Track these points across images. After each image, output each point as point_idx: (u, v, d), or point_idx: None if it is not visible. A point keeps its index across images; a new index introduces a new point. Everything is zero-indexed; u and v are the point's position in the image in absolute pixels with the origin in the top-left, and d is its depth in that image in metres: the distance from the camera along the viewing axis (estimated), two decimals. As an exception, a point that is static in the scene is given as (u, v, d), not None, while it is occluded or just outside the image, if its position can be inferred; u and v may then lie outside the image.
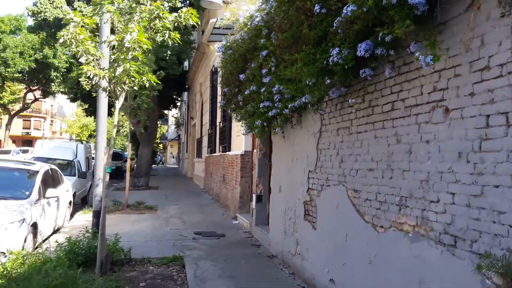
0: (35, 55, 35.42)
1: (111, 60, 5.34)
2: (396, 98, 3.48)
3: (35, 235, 6.74)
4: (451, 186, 2.76)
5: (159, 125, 71.07)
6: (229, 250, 7.06)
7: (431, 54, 2.67)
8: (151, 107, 16.72)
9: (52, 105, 73.80)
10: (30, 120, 65.58)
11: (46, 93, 43.85)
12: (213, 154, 14.68)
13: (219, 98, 8.74)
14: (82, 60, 5.37)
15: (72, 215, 10.50)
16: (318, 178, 5.04)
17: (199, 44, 17.65)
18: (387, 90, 3.61)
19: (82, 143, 13.60)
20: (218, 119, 13.75)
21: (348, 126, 4.29)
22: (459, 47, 2.77)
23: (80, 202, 13.60)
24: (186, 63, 27.53)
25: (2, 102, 40.19)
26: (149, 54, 6.62)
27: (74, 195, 11.40)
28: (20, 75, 37.48)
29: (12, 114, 41.36)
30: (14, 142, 57.74)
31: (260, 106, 5.66)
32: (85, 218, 9.95)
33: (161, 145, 77.66)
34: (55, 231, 8.33)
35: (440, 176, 2.87)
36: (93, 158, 14.36)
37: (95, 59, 5.38)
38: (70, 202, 9.66)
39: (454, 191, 2.74)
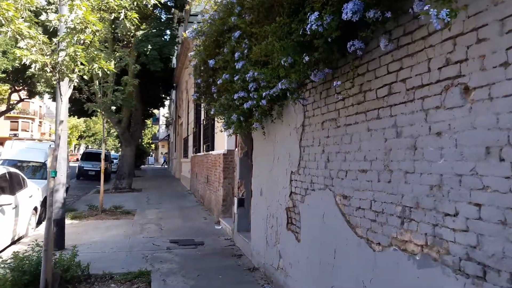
0: (20, 54, 34.26)
1: (53, 44, 4.50)
2: (394, 78, 2.69)
3: (-21, 249, 5.90)
4: (476, 194, 1.98)
5: (149, 125, 70.47)
6: (206, 262, 6.25)
7: (447, 8, 1.88)
8: (131, 105, 15.89)
9: (40, 106, 72.39)
10: (17, 122, 64.18)
11: (32, 94, 42.67)
12: (198, 154, 13.87)
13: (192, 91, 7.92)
14: (21, 44, 4.54)
15: (40, 222, 9.62)
16: (302, 181, 4.24)
17: (183, 39, 16.81)
18: (382, 70, 2.82)
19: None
20: (203, 116, 12.92)
21: (335, 117, 3.49)
22: (483, 1, 1.98)
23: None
24: (174, 61, 26.73)
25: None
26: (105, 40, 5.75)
27: (44, 199, 10.52)
28: (5, 75, 36.30)
29: (-4, 115, 40.10)
30: (1, 144, 56.47)
31: (235, 98, 4.85)
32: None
33: (153, 146, 76.70)
34: (14, 241, 7.46)
35: (459, 180, 2.09)
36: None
37: (37, 44, 4.55)
38: (35, 208, 8.78)
39: (480, 201, 1.95)
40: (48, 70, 4.48)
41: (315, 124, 3.93)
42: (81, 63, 4.47)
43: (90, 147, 74.10)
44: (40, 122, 72.20)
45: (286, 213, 4.68)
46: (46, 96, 41.44)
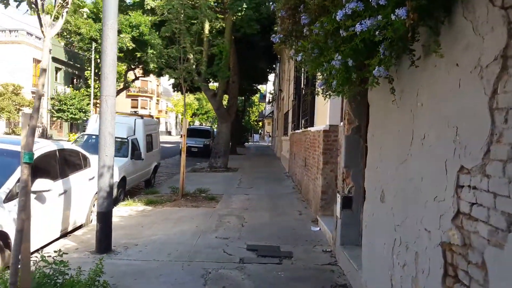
0: (132, 33, 35.55)
1: None
2: None
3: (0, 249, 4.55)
4: None
5: (256, 102, 70.31)
6: (290, 294, 4.08)
7: None
8: (226, 75, 14.26)
9: (157, 85, 77.09)
10: (137, 100, 69.24)
11: (146, 72, 44.61)
12: (296, 131, 11.64)
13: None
14: None
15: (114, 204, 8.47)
16: (495, 193, 1.75)
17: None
18: None
19: (142, 118, 11.58)
20: (303, 83, 10.61)
21: None
22: None
23: (144, 185, 11.79)
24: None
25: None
26: None
27: (123, 180, 9.39)
28: (122, 54, 38.04)
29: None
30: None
31: (338, 18, 2.48)
32: (126, 210, 7.79)
33: (260, 123, 76.76)
34: (68, 232, 6.20)
35: None
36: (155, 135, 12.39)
37: None
38: (102, 192, 7.50)
39: None
40: None
41: None
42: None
43: (204, 125, 76.98)
44: (158, 100, 77.05)
45: (442, 253, 2.22)
46: (165, 77, 43.00)
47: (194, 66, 10.22)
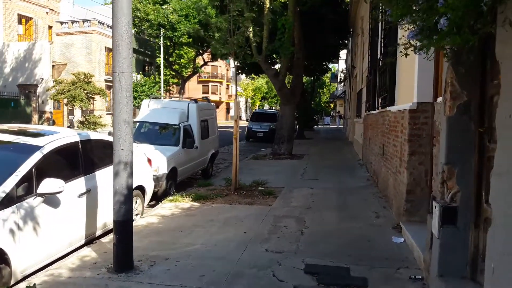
0: (199, 17, 35.05)
1: None
2: None
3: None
4: None
5: (327, 83, 67.45)
6: None
7: None
8: (290, 51, 12.74)
9: (227, 70, 77.24)
10: (208, 85, 69.97)
11: (214, 57, 44.26)
12: (372, 112, 9.87)
13: None
14: None
15: (161, 199, 7.58)
16: None
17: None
18: None
19: (196, 102, 10.54)
20: (379, 55, 8.81)
21: None
22: None
23: (201, 175, 10.87)
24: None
25: (174, 67, 42.17)
26: None
27: (173, 171, 8.46)
28: (190, 39, 37.83)
29: (184, 79, 43.10)
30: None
31: None
32: (170, 208, 6.81)
33: (332, 105, 73.79)
34: (95, 238, 5.29)
35: None
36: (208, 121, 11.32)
37: None
38: (141, 188, 6.56)
39: None
40: None
41: None
42: None
43: (273, 108, 75.83)
44: (228, 85, 77.28)
45: None
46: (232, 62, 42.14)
47: (249, 36, 8.84)
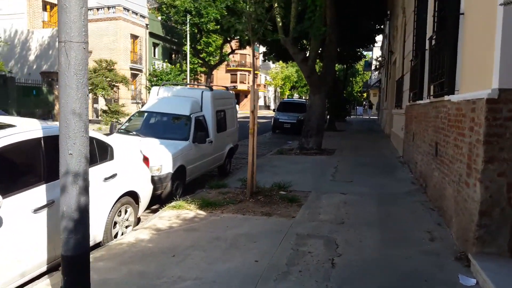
0: (226, 1, 33.63)
1: None
2: None
3: None
4: None
5: (361, 71, 64.74)
6: None
7: None
8: (321, 31, 11.20)
9: (256, 58, 75.71)
10: (236, 74, 68.77)
11: (242, 44, 42.79)
12: (418, 102, 8.26)
13: None
14: None
15: (166, 202, 6.41)
16: None
17: None
18: None
19: (211, 89, 9.25)
20: (429, 33, 7.20)
21: None
22: None
23: (218, 172, 9.65)
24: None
25: (202, 56, 41.06)
26: None
27: (180, 170, 7.24)
28: (218, 27, 36.48)
29: (211, 67, 41.96)
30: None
31: None
32: (169, 218, 5.60)
33: (364, 94, 71.01)
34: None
35: None
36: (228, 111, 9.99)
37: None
38: (133, 194, 5.36)
39: None
40: None
41: None
42: None
43: (303, 97, 73.77)
44: (256, 73, 75.75)
45: None
46: (261, 48, 40.54)
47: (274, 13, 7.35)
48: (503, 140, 3.65)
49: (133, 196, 5.40)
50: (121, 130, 8.39)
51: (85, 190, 2.99)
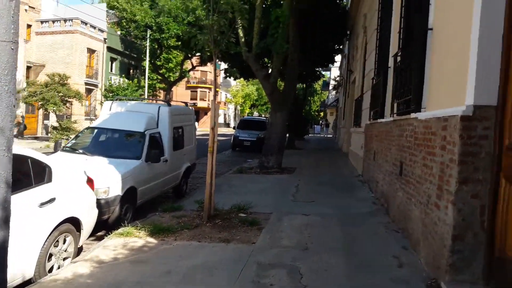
0: (188, 18, 33.23)
1: None
2: None
3: None
4: None
5: (319, 90, 65.95)
6: None
7: None
8: (284, 49, 11.05)
9: (217, 75, 75.58)
10: (196, 91, 68.18)
11: (203, 61, 42.32)
12: (380, 121, 8.16)
13: None
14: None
15: (114, 227, 5.77)
16: None
17: None
18: None
19: (169, 105, 8.74)
20: (393, 50, 7.11)
21: None
22: None
23: (173, 193, 9.07)
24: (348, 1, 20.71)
25: (161, 72, 40.26)
26: None
27: (131, 192, 6.64)
28: (180, 43, 35.86)
29: (170, 83, 41.20)
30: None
31: None
32: (114, 247, 4.98)
33: (321, 113, 72.37)
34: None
35: None
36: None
37: None
38: (75, 222, 4.73)
39: None
40: None
41: None
42: None
43: (263, 116, 73.99)
44: (217, 91, 75.48)
45: None
46: (222, 65, 40.27)
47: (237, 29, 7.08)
48: (478, 159, 3.43)
49: (74, 223, 4.77)
50: (66, 148, 7.69)
51: (4, 222, 2.43)
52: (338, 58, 32.48)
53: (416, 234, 4.76)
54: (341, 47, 23.10)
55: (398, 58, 6.29)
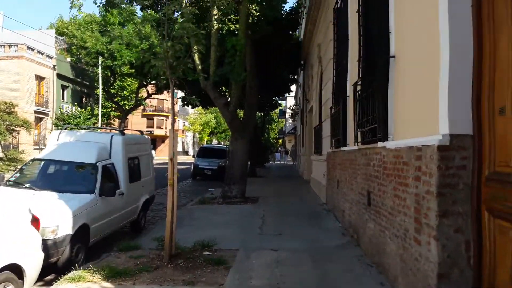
0: (141, 45, 32.70)
1: None
2: None
3: None
4: None
5: (276, 119, 66.81)
6: None
7: None
8: (241, 77, 10.93)
9: (175, 103, 74.72)
10: (153, 119, 66.94)
11: (159, 89, 41.58)
12: (343, 149, 8.09)
13: None
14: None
15: (63, 270, 5.15)
16: None
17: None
18: None
19: (122, 134, 8.28)
20: (353, 79, 7.12)
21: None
22: None
23: (130, 228, 8.47)
24: (301, 32, 21.23)
25: (116, 100, 39.21)
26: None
27: (82, 230, 6.04)
28: (133, 70, 35.12)
29: (125, 111, 40.13)
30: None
31: None
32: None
33: (280, 141, 73.13)
34: None
35: None
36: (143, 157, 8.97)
37: None
38: (17, 269, 4.13)
39: None
40: None
41: None
42: None
43: (222, 143, 73.50)
44: (175, 118, 74.39)
45: None
46: (180, 93, 39.59)
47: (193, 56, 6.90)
48: (456, 191, 3.30)
49: (15, 270, 4.16)
50: (10, 183, 6.98)
51: None
52: (293, 87, 33.15)
53: (394, 270, 4.56)
54: (295, 77, 23.51)
55: (359, 87, 6.27)
